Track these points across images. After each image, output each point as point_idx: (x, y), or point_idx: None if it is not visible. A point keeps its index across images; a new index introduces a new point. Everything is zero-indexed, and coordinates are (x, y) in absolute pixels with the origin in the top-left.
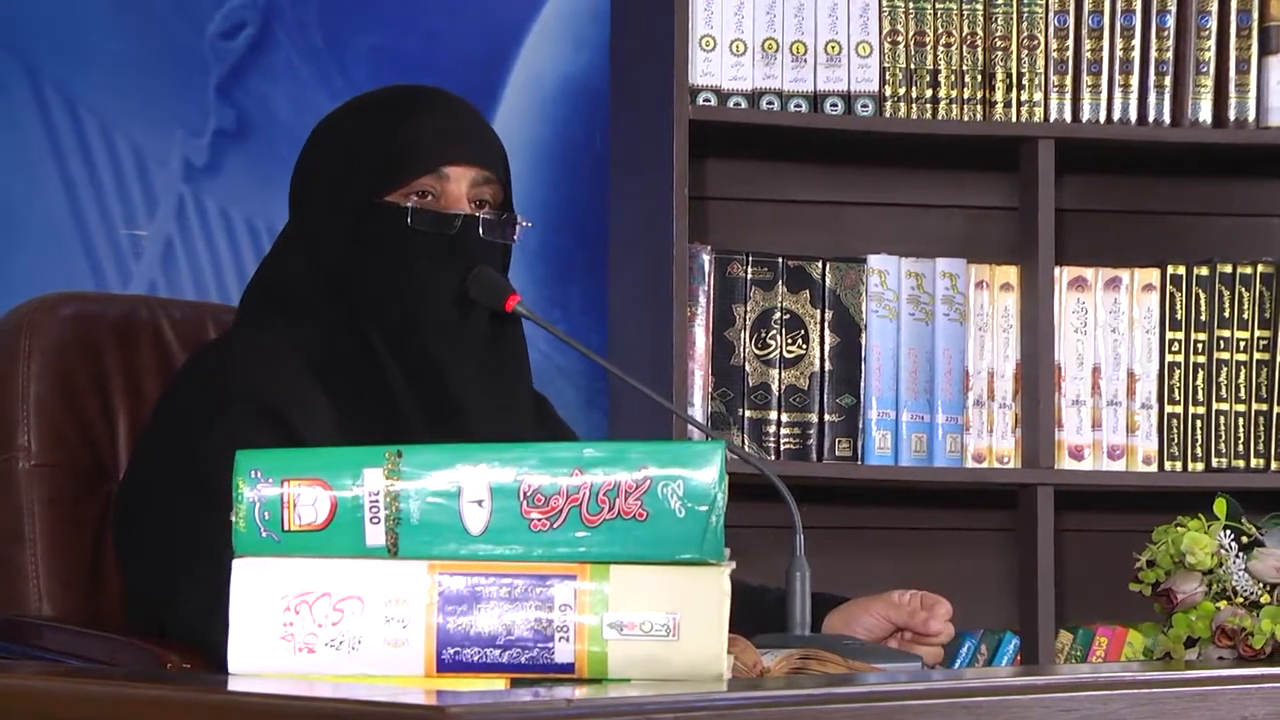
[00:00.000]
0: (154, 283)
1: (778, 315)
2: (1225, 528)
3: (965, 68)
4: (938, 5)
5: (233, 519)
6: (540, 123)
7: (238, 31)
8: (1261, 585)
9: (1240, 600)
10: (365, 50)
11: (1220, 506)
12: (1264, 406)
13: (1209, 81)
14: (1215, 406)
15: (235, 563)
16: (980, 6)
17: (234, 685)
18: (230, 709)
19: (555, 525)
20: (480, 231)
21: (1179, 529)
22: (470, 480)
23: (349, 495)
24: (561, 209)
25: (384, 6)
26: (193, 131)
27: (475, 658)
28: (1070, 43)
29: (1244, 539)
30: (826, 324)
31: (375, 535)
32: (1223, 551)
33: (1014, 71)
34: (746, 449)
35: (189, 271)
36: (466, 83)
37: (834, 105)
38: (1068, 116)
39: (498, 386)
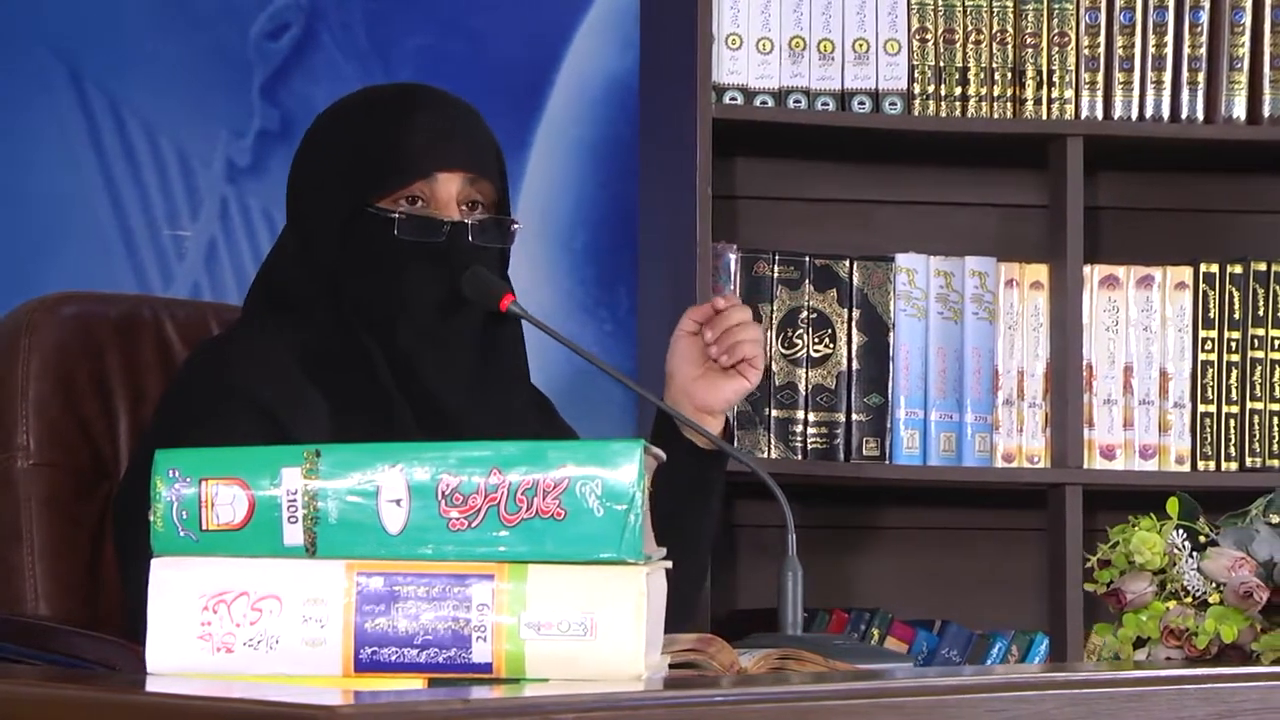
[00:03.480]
0: (197, 284)
1: (805, 314)
2: (1178, 527)
3: (995, 65)
4: (967, 2)
5: (150, 518)
6: (586, 124)
7: (281, 32)
8: (1212, 585)
9: (1190, 600)
10: (409, 50)
11: (1172, 505)
12: None
13: (1242, 78)
14: (1249, 405)
15: (153, 562)
16: (1010, 3)
17: (150, 686)
18: (99, 707)
19: (474, 525)
20: (471, 237)
21: (1133, 528)
22: (388, 480)
23: (267, 495)
24: (608, 210)
25: (428, 7)
26: (236, 132)
27: (393, 657)
28: (1101, 39)
29: (1200, 538)
30: (854, 323)
31: (293, 535)
32: (1175, 551)
33: (1044, 69)
34: (774, 448)
35: (232, 272)
36: (512, 83)
37: (862, 103)
38: (1099, 114)
39: (492, 386)
